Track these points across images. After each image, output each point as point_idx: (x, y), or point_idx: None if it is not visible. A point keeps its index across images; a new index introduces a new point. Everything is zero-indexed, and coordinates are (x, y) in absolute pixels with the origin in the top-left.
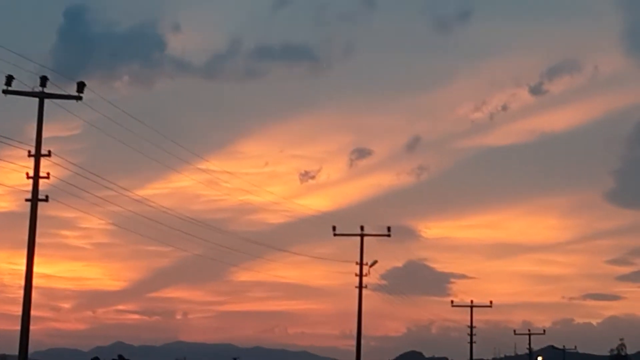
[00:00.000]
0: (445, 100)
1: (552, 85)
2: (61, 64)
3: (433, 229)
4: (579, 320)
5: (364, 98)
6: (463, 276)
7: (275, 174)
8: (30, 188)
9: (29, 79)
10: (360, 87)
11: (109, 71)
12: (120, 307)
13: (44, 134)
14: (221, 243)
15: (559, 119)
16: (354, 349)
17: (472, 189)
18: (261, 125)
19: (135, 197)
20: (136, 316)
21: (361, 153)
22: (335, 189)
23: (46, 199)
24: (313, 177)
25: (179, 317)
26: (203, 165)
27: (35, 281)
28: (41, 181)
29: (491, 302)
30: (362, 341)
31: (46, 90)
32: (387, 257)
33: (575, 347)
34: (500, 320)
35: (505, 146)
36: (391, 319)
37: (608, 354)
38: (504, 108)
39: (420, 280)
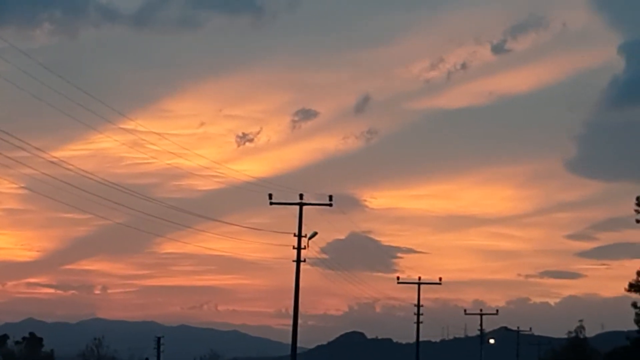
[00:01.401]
0: (398, 56)
1: (516, 44)
2: None
3: (379, 199)
4: (535, 299)
5: (309, 53)
6: (410, 250)
7: (209, 136)
8: None
9: None
10: (305, 41)
11: (27, 17)
12: (32, 279)
13: None
14: (145, 211)
15: (521, 80)
16: (290, 328)
17: (422, 155)
18: (194, 81)
19: (51, 159)
20: (50, 290)
21: (306, 114)
22: (274, 153)
23: None
24: (251, 140)
25: (97, 291)
26: (127, 125)
27: None
28: None
29: (440, 278)
30: (299, 320)
31: None
32: (328, 229)
33: (531, 328)
34: (450, 298)
35: (461, 108)
36: (331, 297)
37: (565, 336)
38: (463, 67)
39: (364, 254)
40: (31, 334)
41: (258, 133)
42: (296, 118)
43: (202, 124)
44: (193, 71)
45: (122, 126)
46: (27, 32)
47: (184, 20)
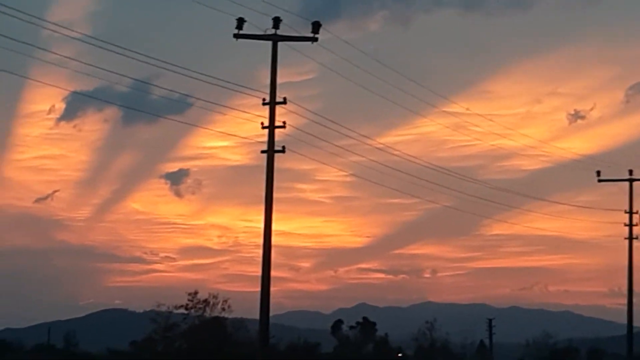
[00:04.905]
0: None
1: None
2: (307, 1)
3: None
4: None
5: None
6: None
7: (536, 115)
8: (265, 139)
9: (261, 21)
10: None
11: (361, 9)
12: (363, 265)
13: (278, 80)
14: (472, 193)
15: None
16: (625, 308)
17: None
18: (522, 61)
19: (377, 145)
20: (380, 275)
21: None
22: (604, 129)
23: (283, 150)
24: (583, 117)
25: (427, 275)
26: (451, 108)
27: (273, 239)
28: (276, 131)
29: None
30: (634, 299)
31: (279, 32)
32: None
33: None
34: None
35: None
36: None
37: None
38: None
39: None
40: (364, 318)
41: (591, 110)
42: (630, 92)
43: (529, 103)
44: (521, 51)
45: (445, 109)
46: (359, 22)
47: (516, 1)
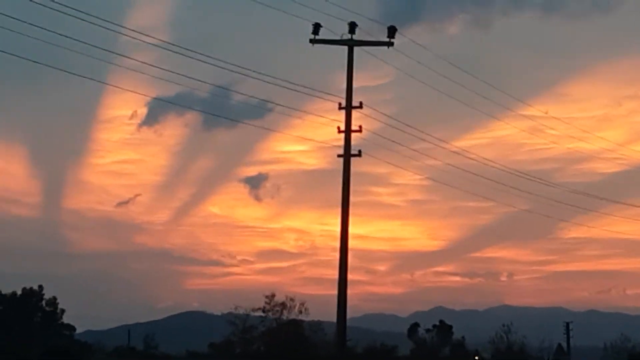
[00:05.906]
0: None
1: None
2: (385, 5)
3: None
4: None
5: None
6: None
7: (614, 118)
8: (341, 143)
9: (337, 26)
10: None
11: (441, 12)
12: (440, 268)
13: (354, 84)
14: (548, 196)
15: None
16: None
17: None
18: (599, 62)
19: (453, 149)
20: (457, 278)
21: None
22: None
23: (359, 154)
24: None
25: (503, 278)
26: (527, 111)
27: (349, 242)
28: (353, 135)
29: None
30: None
31: (355, 37)
32: None
33: None
34: None
35: None
36: None
37: None
38: None
39: None
40: (441, 321)
41: None
42: None
43: (608, 105)
44: (600, 53)
45: (522, 112)
46: (437, 26)
47: (596, 4)
